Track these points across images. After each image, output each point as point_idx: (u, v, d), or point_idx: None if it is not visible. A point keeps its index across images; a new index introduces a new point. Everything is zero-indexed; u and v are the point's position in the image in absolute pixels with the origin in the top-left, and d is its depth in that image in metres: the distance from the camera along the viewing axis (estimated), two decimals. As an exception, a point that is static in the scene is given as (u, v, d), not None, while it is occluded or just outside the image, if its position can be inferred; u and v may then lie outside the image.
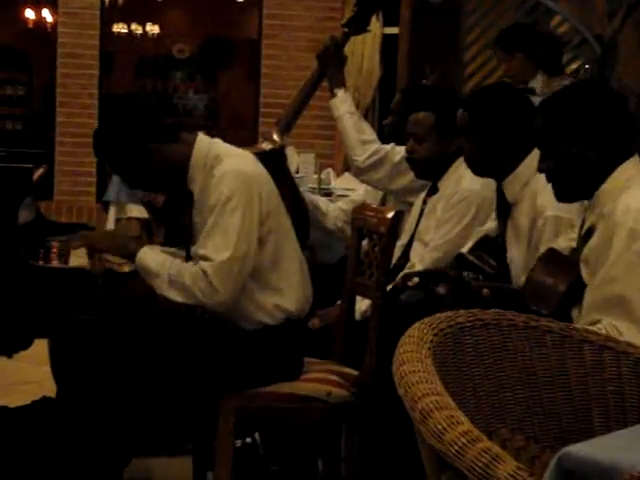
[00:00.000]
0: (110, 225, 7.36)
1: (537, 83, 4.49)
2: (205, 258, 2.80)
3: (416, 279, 2.81)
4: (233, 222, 2.79)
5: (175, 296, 2.82)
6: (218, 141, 2.97)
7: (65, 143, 8.90)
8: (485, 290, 2.66)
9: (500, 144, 2.94)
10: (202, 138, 2.94)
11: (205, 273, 2.78)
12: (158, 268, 2.84)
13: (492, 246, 3.05)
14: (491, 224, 3.16)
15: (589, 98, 2.49)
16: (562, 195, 2.52)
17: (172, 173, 2.91)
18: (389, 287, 3.22)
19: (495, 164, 2.97)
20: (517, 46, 4.64)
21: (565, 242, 2.69)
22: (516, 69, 4.65)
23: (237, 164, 2.86)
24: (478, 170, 3.07)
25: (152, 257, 2.88)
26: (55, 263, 2.99)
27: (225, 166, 2.84)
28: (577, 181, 2.45)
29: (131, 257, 2.89)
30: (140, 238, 3.15)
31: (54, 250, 3.09)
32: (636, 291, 2.27)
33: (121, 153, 2.86)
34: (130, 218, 7.76)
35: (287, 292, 2.93)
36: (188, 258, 2.94)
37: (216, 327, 2.93)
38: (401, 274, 3.29)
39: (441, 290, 2.73)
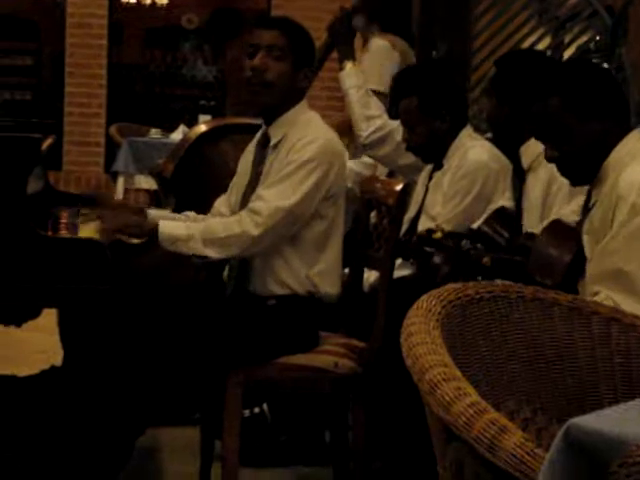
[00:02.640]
0: (118, 195, 7.38)
1: None
2: (263, 199, 2.87)
3: (440, 233, 2.80)
4: (306, 182, 2.87)
5: (212, 253, 2.87)
6: (316, 114, 3.06)
7: (74, 113, 8.90)
8: (485, 259, 2.66)
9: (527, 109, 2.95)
10: (306, 104, 3.04)
11: (256, 212, 2.85)
12: (187, 231, 2.87)
13: (508, 217, 3.06)
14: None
15: (593, 72, 2.51)
16: (576, 180, 2.52)
17: (284, 93, 2.95)
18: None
19: (519, 128, 3.00)
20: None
21: (574, 207, 2.70)
22: None
23: (329, 136, 2.97)
24: (498, 130, 3.10)
25: (174, 225, 2.92)
26: (64, 233, 2.99)
27: (320, 133, 2.94)
28: (586, 160, 2.44)
29: (148, 235, 2.90)
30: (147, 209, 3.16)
31: (63, 220, 3.10)
32: (635, 265, 2.28)
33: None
34: (139, 189, 7.79)
35: (324, 273, 2.97)
36: (246, 201, 2.99)
37: (235, 295, 2.95)
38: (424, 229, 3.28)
39: (437, 260, 2.72)
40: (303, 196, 2.87)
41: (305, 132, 2.93)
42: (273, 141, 2.99)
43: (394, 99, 3.80)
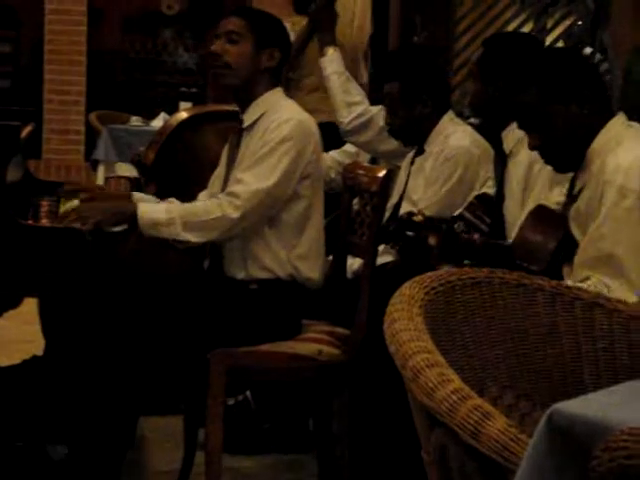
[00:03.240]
0: (99, 183, 7.34)
1: None
2: (241, 182, 2.88)
3: (420, 217, 2.80)
4: (282, 162, 2.89)
5: (192, 237, 2.87)
6: (290, 100, 3.09)
7: (53, 101, 8.84)
8: (476, 236, 2.67)
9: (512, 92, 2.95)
10: (280, 90, 3.06)
11: (235, 195, 2.86)
12: (167, 215, 2.87)
13: (490, 203, 3.06)
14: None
15: (570, 58, 2.54)
16: (562, 166, 2.53)
17: (249, 76, 2.98)
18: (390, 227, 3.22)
19: (502, 112, 3.01)
20: None
21: (558, 196, 2.70)
22: None
23: (303, 117, 2.99)
24: (481, 113, 3.14)
25: (154, 209, 2.91)
26: (44, 222, 2.97)
27: (291, 114, 2.95)
28: (569, 147, 2.44)
29: (128, 220, 2.88)
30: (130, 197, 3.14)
31: (43, 209, 3.08)
32: (625, 248, 2.28)
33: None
34: (120, 177, 7.74)
35: (304, 256, 2.98)
36: (224, 188, 3.01)
37: (217, 281, 2.95)
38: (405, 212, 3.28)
39: (431, 241, 2.72)
40: (281, 176, 2.88)
41: (279, 114, 2.95)
42: (246, 123, 3.01)
43: (377, 84, 3.80)
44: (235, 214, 2.85)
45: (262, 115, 2.99)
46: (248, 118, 3.01)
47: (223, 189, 3.02)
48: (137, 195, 3.15)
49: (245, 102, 3.03)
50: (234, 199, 2.86)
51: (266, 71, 3.00)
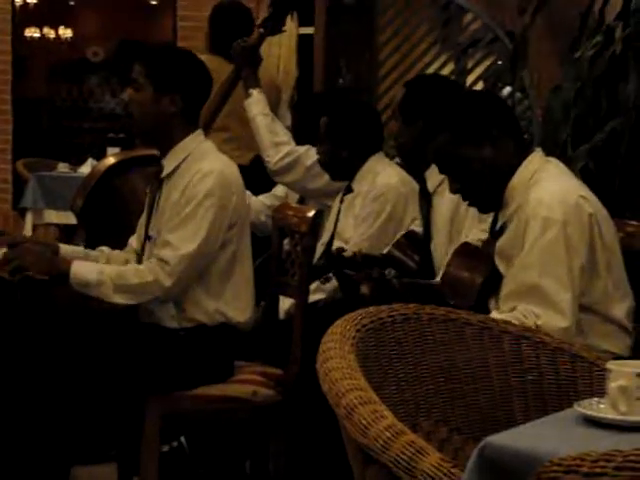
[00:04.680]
0: (27, 232, 7.25)
1: None
2: (169, 245, 2.85)
3: (350, 252, 2.82)
4: (206, 219, 2.86)
5: (122, 299, 2.85)
6: (210, 144, 3.05)
7: (-21, 150, 8.73)
8: (394, 281, 2.69)
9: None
10: (201, 134, 3.03)
11: (165, 261, 2.83)
12: (99, 277, 2.85)
13: (418, 241, 3.10)
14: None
15: (479, 100, 2.61)
16: (484, 207, 2.57)
17: (162, 123, 2.94)
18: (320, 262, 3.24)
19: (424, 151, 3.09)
20: None
21: (479, 234, 2.75)
22: None
23: (224, 167, 2.94)
24: (404, 153, 3.23)
25: (87, 269, 2.88)
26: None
27: (211, 165, 2.91)
28: (488, 187, 2.49)
29: (61, 274, 2.86)
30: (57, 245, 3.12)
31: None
32: (551, 277, 2.33)
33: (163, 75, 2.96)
34: (48, 224, 7.66)
35: (232, 302, 2.96)
36: (146, 235, 2.99)
37: (147, 328, 2.93)
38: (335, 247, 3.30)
39: (364, 290, 2.75)
40: (207, 235, 2.85)
41: (200, 165, 2.91)
42: (165, 172, 2.97)
43: (301, 125, 3.85)
44: (168, 282, 2.83)
45: (182, 162, 2.95)
46: (168, 165, 2.97)
47: (145, 236, 3.01)
48: (65, 248, 3.10)
49: (164, 148, 2.99)
50: (165, 265, 2.83)
51: (174, 116, 2.95)
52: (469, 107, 2.56)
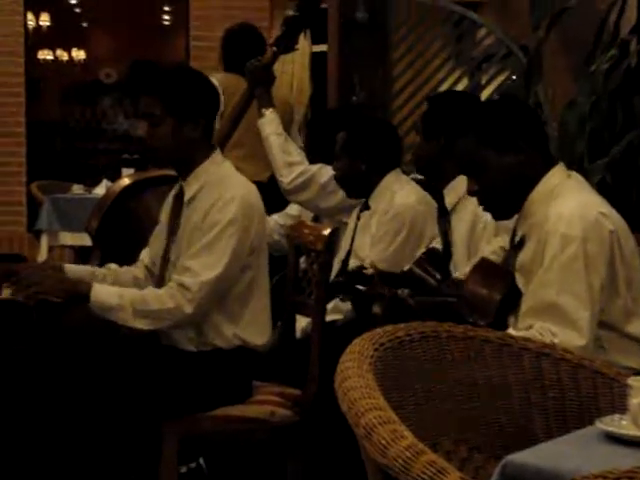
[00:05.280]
0: (43, 254, 7.27)
1: None
2: (190, 271, 2.83)
3: (371, 270, 2.81)
4: (229, 246, 2.84)
5: (142, 325, 2.84)
6: (229, 164, 3.03)
7: (-6, 173, 8.77)
8: (410, 300, 2.67)
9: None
10: (219, 154, 3.01)
11: (186, 287, 2.82)
12: (118, 301, 2.83)
13: (439, 258, 3.08)
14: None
15: (510, 108, 2.57)
16: (498, 213, 2.57)
17: (183, 151, 2.93)
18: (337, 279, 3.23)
19: (443, 168, 3.08)
20: None
21: (495, 246, 2.73)
22: None
23: (246, 192, 2.93)
24: (423, 169, 3.21)
25: (107, 292, 2.87)
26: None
27: (234, 191, 2.89)
28: (506, 194, 2.48)
29: (81, 297, 2.86)
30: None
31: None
32: (569, 295, 2.31)
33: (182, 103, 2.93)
34: (63, 246, 7.68)
35: (250, 326, 2.95)
36: (165, 258, 2.98)
37: (165, 350, 2.92)
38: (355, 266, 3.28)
39: (376, 309, 2.73)
40: (228, 262, 2.85)
41: (221, 190, 2.89)
42: (187, 196, 2.96)
43: (314, 143, 3.86)
44: (189, 308, 2.82)
45: (203, 187, 2.94)
46: (189, 189, 2.96)
47: (164, 258, 3.00)
48: (70, 267, 3.09)
49: (185, 172, 2.98)
50: (186, 292, 2.82)
51: (197, 140, 2.94)
52: (500, 113, 2.55)
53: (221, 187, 2.91)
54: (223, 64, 4.87)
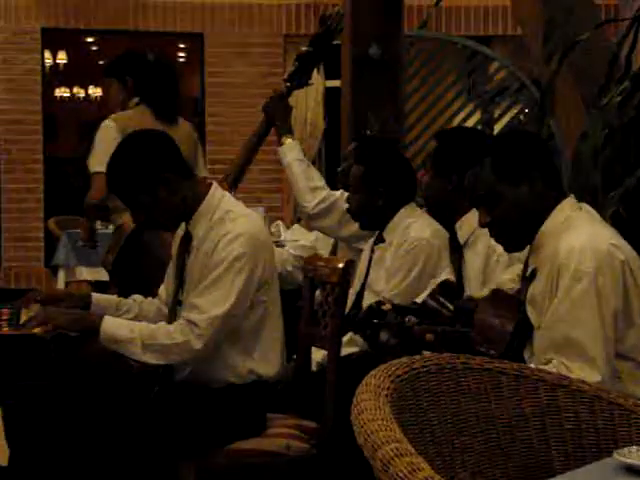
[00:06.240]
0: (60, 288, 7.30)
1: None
2: (198, 308, 2.84)
3: (389, 305, 2.82)
4: (236, 282, 2.85)
5: (151, 359, 2.85)
6: (229, 196, 3.03)
7: (11, 209, 8.84)
8: (429, 335, 2.67)
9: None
10: (217, 187, 3.01)
11: (194, 324, 2.83)
12: (128, 334, 2.85)
13: (452, 290, 3.09)
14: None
15: (523, 140, 2.59)
16: (510, 245, 2.57)
17: (180, 208, 2.95)
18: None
19: (454, 203, 3.09)
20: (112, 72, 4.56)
21: (513, 274, 2.74)
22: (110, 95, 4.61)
23: (251, 227, 2.93)
24: (435, 205, 3.25)
25: (117, 325, 2.89)
26: (5, 330, 2.95)
27: (241, 227, 2.89)
28: (518, 226, 2.49)
29: (92, 330, 2.87)
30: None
31: (3, 317, 3.06)
32: (583, 330, 2.31)
33: (136, 178, 2.89)
34: (80, 281, 7.72)
35: (263, 359, 2.96)
36: (176, 300, 2.99)
37: (179, 386, 2.92)
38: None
39: (383, 337, 2.73)
40: (236, 298, 2.85)
41: (227, 227, 2.89)
42: (196, 239, 2.95)
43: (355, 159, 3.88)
44: (197, 344, 2.83)
45: (208, 228, 2.92)
46: (197, 231, 2.94)
47: (175, 295, 3.02)
48: (97, 297, 3.13)
49: (187, 217, 2.98)
50: (195, 328, 2.83)
51: (181, 190, 2.93)
52: (514, 145, 2.56)
53: (227, 223, 2.91)
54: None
